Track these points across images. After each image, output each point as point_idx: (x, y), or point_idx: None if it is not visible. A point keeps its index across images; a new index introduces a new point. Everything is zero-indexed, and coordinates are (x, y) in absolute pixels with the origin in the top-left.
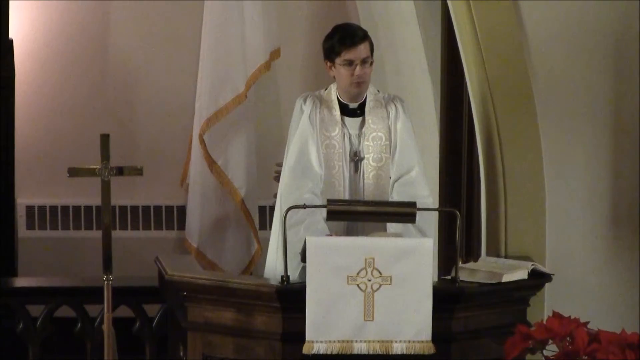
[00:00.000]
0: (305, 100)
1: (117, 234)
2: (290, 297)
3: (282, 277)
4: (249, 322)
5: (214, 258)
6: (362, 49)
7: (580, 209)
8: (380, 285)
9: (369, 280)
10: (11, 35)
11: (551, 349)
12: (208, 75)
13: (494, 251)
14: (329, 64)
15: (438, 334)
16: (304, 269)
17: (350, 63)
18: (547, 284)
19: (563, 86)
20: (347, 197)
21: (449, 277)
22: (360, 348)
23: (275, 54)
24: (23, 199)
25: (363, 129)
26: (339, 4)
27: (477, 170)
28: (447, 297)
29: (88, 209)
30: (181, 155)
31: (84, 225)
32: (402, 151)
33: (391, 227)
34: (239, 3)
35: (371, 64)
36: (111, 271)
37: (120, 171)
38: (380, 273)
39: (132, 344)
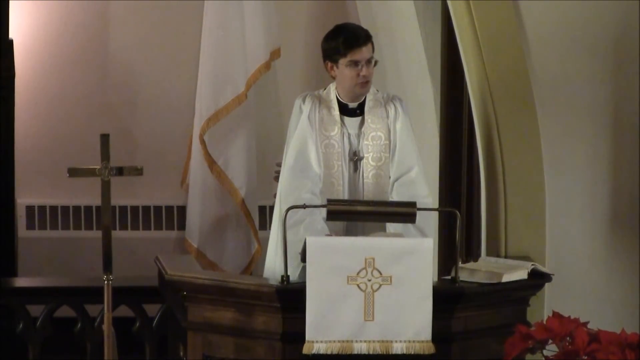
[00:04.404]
0: (304, 100)
1: (117, 234)
2: (290, 297)
3: (282, 277)
4: (249, 322)
5: (214, 258)
6: (367, 49)
7: (580, 209)
8: (380, 285)
9: (369, 280)
10: (11, 35)
11: (551, 349)
12: (208, 75)
13: (494, 251)
14: (330, 64)
15: (438, 334)
16: (304, 269)
17: (356, 64)
18: (547, 284)
19: (563, 86)
20: (346, 197)
21: (449, 277)
22: (360, 348)
23: (275, 54)
24: (23, 199)
25: (362, 129)
26: (339, 4)
27: (477, 170)
28: (447, 297)
29: (88, 209)
30: (181, 155)
31: (84, 225)
32: (401, 151)
33: (391, 227)
34: (239, 3)
35: (375, 63)
36: (111, 271)
37: (120, 171)
38: (380, 273)
39: (132, 344)
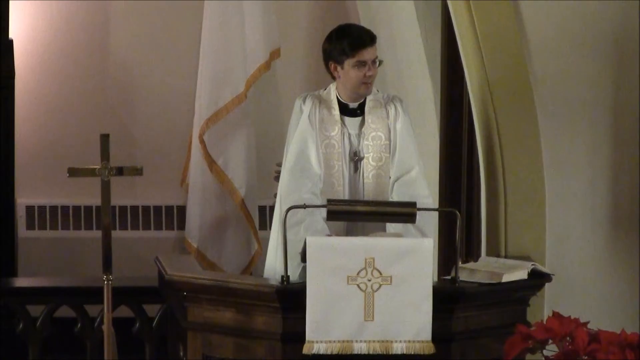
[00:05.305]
0: (304, 100)
1: (117, 234)
2: (290, 297)
3: (282, 277)
4: (249, 322)
5: (214, 258)
6: (372, 50)
7: (580, 209)
8: (380, 285)
9: (369, 280)
10: (11, 35)
11: (551, 349)
12: (208, 75)
13: (494, 251)
14: (333, 65)
15: (438, 334)
16: (304, 269)
17: (362, 64)
18: (547, 284)
19: (563, 86)
20: (346, 197)
21: (449, 277)
22: (360, 348)
23: (275, 54)
24: (23, 199)
25: (363, 129)
26: (339, 4)
27: (477, 170)
28: (447, 297)
29: (88, 209)
30: (181, 155)
31: (84, 225)
32: (401, 151)
33: (391, 227)
34: (239, 3)
35: (380, 63)
36: (111, 271)
37: (120, 171)
38: (380, 273)
39: (132, 344)
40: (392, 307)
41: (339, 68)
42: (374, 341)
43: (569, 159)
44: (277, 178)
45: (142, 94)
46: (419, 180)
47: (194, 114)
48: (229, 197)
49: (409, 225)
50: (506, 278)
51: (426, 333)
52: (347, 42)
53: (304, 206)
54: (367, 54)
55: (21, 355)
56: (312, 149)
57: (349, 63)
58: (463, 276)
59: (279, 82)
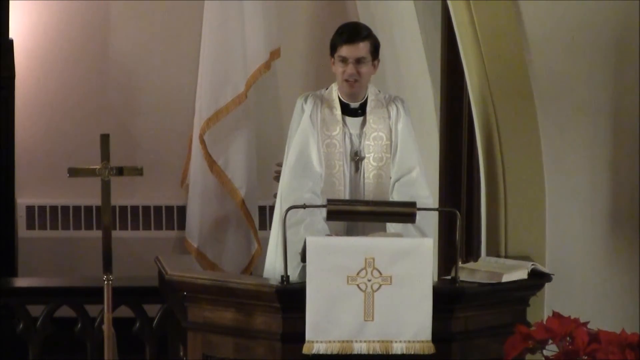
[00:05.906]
0: (306, 100)
1: (117, 234)
2: (290, 297)
3: (282, 277)
4: (249, 322)
5: (214, 258)
6: (358, 48)
7: (580, 208)
8: (380, 285)
9: (369, 280)
10: (11, 35)
11: (551, 349)
12: (208, 75)
13: (494, 251)
14: (332, 59)
15: (438, 334)
16: (304, 268)
17: (344, 60)
18: (547, 284)
19: (563, 85)
20: (347, 197)
21: (449, 277)
22: (360, 348)
23: (275, 54)
24: (23, 199)
25: (364, 129)
26: (339, 4)
27: (477, 170)
28: (447, 297)
29: (88, 209)
30: (181, 155)
31: (84, 225)
32: (402, 151)
33: (391, 227)
34: (239, 3)
35: (374, 65)
36: (111, 271)
37: (120, 171)
38: (380, 273)
39: (132, 344)
40: (392, 307)
41: (334, 62)
42: (373, 341)
43: (569, 158)
44: (277, 178)
45: (142, 94)
46: (419, 180)
47: (194, 114)
48: (229, 197)
49: (409, 225)
50: (506, 278)
51: (426, 333)
52: (337, 35)
53: (304, 206)
54: (347, 51)
55: (21, 355)
56: (313, 148)
57: (336, 57)
58: (463, 276)
59: (279, 82)
